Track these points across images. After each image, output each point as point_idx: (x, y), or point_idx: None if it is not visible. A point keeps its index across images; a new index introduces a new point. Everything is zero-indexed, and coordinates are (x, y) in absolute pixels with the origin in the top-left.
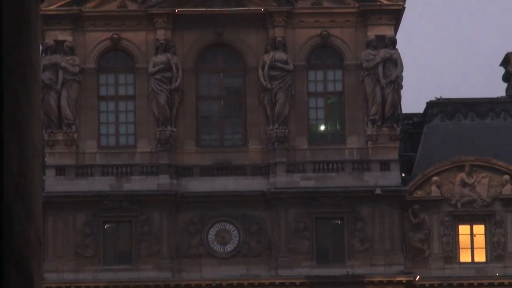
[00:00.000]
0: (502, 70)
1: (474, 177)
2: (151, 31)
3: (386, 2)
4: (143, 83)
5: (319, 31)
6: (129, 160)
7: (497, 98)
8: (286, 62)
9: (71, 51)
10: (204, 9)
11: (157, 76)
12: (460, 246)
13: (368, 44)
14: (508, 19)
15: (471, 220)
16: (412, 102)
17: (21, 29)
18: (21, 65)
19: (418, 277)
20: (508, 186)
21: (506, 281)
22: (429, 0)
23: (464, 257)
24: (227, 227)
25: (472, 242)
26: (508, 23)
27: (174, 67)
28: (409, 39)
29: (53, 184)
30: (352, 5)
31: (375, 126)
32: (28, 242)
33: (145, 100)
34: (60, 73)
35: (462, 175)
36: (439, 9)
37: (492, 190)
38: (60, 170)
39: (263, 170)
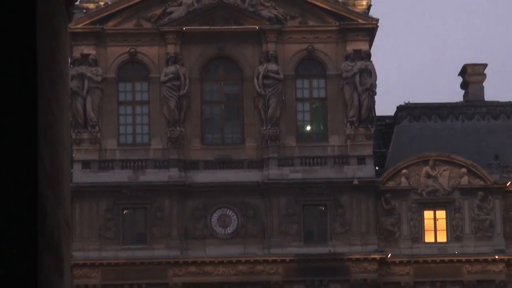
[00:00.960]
0: (460, 79)
1: (437, 170)
2: (162, 46)
3: (362, 22)
4: (156, 90)
5: (305, 46)
6: (144, 156)
7: (456, 103)
8: (277, 72)
9: (95, 63)
10: (208, 27)
11: (168, 84)
12: (425, 228)
13: (347, 57)
14: (465, 37)
15: (434, 206)
16: (384, 106)
17: (52, 45)
18: (53, 75)
19: (390, 254)
20: (465, 177)
21: (463, 258)
22: (398, 20)
23: (428, 238)
24: (227, 213)
25: (435, 225)
26: (465, 40)
27: (182, 77)
28: (382, 52)
29: (80, 176)
30: (333, 24)
31: (353, 126)
32: (58, 226)
33: (157, 105)
34: (86, 82)
35: (427, 168)
36: (407, 28)
37: (452, 181)
38: (86, 164)
39: (258, 164)
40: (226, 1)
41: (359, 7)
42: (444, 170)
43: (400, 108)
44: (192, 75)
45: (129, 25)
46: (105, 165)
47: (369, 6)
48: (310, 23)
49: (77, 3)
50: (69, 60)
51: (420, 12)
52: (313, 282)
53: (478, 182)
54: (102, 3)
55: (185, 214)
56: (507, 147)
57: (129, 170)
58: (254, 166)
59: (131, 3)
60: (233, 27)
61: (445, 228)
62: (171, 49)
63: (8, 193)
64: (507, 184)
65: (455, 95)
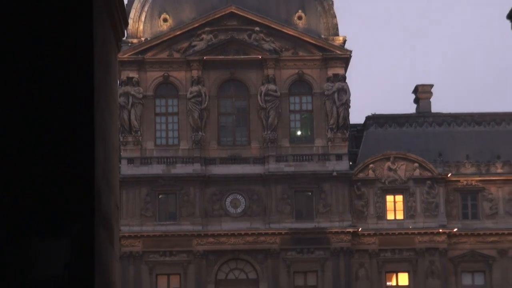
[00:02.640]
0: (413, 96)
1: (396, 164)
2: (188, 71)
3: (339, 52)
4: (183, 104)
5: (296, 71)
6: (174, 154)
7: (410, 114)
8: (275, 91)
9: (137, 84)
10: (223, 57)
11: (192, 100)
12: (387, 209)
13: (328, 79)
14: (417, 64)
15: (394, 192)
16: (356, 116)
17: (106, 70)
18: (106, 93)
19: (360, 229)
20: (417, 170)
21: (416, 231)
22: (368, 50)
23: (390, 216)
24: (237, 197)
25: (394, 207)
26: (416, 66)
27: (203, 94)
28: (355, 75)
29: (126, 170)
30: (317, 54)
31: (332, 132)
32: (110, 207)
33: (185, 116)
34: (130, 98)
35: (389, 163)
36: (374, 56)
37: (407, 173)
38: (130, 161)
39: (261, 160)
40: (237, 37)
41: (337, 42)
42: (402, 165)
43: (368, 118)
44: (211, 93)
45: (163, 55)
46: (145, 161)
47: (345, 41)
48: (300, 53)
49: (124, 38)
50: (118, 82)
51: (383, 45)
52: (302, 249)
53: (426, 174)
54: (143, 39)
55: (205, 198)
56: (448, 147)
57: (163, 165)
58: (258, 162)
59: (165, 38)
60: (242, 56)
61: (402, 209)
62: (195, 73)
63: (72, 183)
64: (448, 175)
65: (410, 108)
